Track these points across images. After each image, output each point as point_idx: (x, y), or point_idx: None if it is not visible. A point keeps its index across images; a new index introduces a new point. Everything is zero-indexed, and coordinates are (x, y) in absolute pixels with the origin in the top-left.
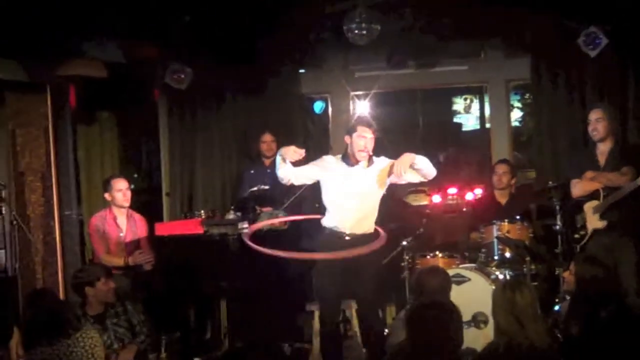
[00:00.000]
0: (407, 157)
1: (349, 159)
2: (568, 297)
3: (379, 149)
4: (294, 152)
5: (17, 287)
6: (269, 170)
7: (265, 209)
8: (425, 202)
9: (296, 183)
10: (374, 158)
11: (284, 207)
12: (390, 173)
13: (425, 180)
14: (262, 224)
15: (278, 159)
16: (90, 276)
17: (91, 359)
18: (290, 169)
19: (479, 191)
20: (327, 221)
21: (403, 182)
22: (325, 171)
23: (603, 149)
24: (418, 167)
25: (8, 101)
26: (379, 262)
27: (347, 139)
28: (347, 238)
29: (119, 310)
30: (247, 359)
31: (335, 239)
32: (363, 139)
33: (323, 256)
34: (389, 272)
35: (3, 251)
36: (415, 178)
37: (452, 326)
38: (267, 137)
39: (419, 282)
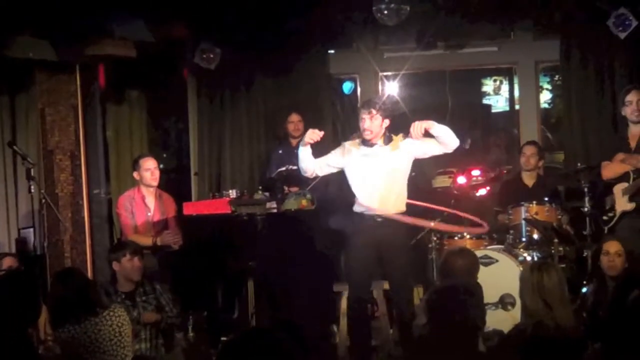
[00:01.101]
0: (423, 121)
1: (366, 140)
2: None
3: (405, 129)
4: (311, 133)
5: (46, 265)
6: (296, 151)
7: (293, 189)
8: (448, 185)
9: (320, 174)
10: (393, 136)
11: (309, 187)
12: (405, 136)
13: (448, 150)
14: None
15: (300, 149)
16: (116, 252)
17: (118, 337)
18: (312, 160)
19: (476, 172)
20: (357, 207)
21: (425, 155)
22: (346, 157)
23: (635, 131)
24: (436, 135)
25: (38, 80)
26: (409, 243)
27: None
28: (378, 219)
29: (147, 289)
30: (274, 338)
31: (367, 222)
32: (362, 121)
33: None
34: (416, 254)
35: (32, 229)
36: (436, 148)
37: (471, 309)
38: (294, 117)
39: (446, 263)
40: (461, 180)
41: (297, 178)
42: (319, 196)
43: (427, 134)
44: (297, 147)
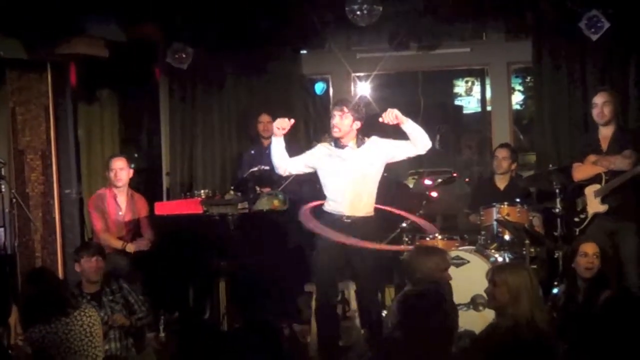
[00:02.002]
0: (395, 110)
1: (338, 142)
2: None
3: (377, 131)
4: (280, 121)
5: (16, 265)
6: (267, 151)
7: (265, 190)
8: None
9: (294, 172)
10: (365, 138)
11: (281, 187)
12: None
13: (420, 152)
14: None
15: (272, 140)
16: (77, 253)
17: (89, 337)
18: (285, 155)
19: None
20: (327, 206)
21: (397, 157)
22: (319, 158)
23: (606, 133)
24: (408, 131)
25: (9, 79)
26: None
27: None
28: (346, 220)
29: (114, 289)
30: (245, 339)
31: (335, 221)
32: (333, 118)
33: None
34: (387, 255)
35: (2, 229)
36: (409, 150)
37: (443, 314)
38: (264, 118)
39: (410, 263)
40: (428, 182)
41: (269, 179)
42: (292, 196)
43: (401, 135)
44: (268, 147)
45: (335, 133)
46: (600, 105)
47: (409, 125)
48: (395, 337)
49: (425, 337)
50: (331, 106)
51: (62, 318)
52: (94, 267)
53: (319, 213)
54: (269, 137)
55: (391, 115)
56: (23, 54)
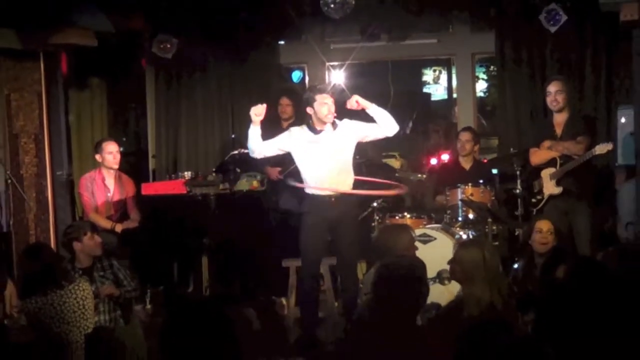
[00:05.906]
0: (362, 99)
1: (314, 127)
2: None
3: (350, 117)
4: (254, 108)
5: (12, 242)
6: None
7: (275, 169)
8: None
9: (269, 154)
10: (337, 121)
11: (290, 169)
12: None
13: (388, 134)
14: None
15: (250, 128)
16: (77, 232)
17: (82, 309)
18: (259, 141)
19: (445, 156)
20: (310, 190)
21: (367, 137)
22: (294, 143)
23: (560, 120)
24: (373, 115)
25: (3, 67)
26: (359, 222)
27: (309, 110)
28: (332, 200)
29: (105, 265)
30: (226, 311)
31: (322, 202)
32: (325, 105)
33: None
34: (360, 231)
35: None
36: (377, 131)
37: (416, 283)
38: (283, 101)
39: (385, 242)
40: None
41: (281, 160)
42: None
43: (369, 119)
44: (286, 128)
45: (330, 119)
46: (554, 93)
47: (374, 110)
48: (368, 309)
49: (397, 307)
50: (311, 93)
51: (57, 291)
52: (98, 243)
53: (303, 196)
54: (287, 119)
55: (353, 101)
56: (17, 44)
